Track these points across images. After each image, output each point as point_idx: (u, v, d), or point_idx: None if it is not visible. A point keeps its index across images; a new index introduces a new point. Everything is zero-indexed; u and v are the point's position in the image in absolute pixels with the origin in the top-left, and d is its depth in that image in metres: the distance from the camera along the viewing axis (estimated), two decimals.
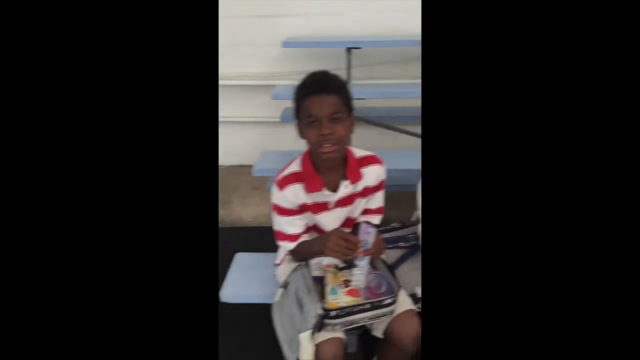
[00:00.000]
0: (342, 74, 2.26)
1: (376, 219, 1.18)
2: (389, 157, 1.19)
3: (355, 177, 1.07)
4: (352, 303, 0.97)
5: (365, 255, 0.96)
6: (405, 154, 1.90)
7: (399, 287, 1.03)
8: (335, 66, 2.36)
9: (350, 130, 1.02)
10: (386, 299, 0.97)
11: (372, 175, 1.10)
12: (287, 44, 2.13)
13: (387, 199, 1.22)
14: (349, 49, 2.19)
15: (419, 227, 1.22)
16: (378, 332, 1.05)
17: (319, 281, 1.06)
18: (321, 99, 0.95)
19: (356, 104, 2.34)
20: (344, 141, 1.01)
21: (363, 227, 0.95)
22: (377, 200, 1.16)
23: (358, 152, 1.11)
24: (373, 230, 0.94)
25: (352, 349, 1.21)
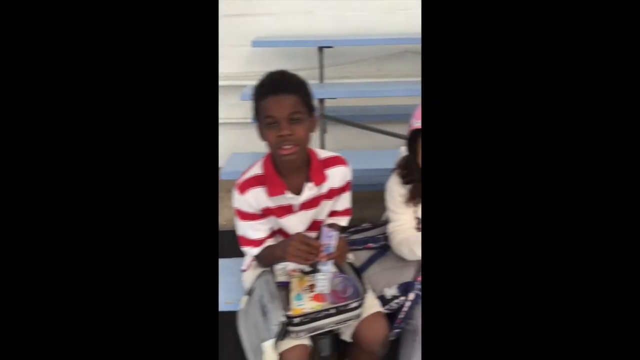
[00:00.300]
0: (314, 73, 2.27)
1: (344, 221, 1.16)
2: (363, 157, 1.18)
3: (320, 179, 1.05)
4: (317, 308, 0.94)
5: (329, 259, 0.94)
6: (379, 153, 1.89)
7: (366, 290, 1.01)
8: (307, 65, 2.35)
9: (311, 131, 1.00)
10: (352, 302, 0.95)
11: (337, 176, 1.08)
12: (256, 43, 2.09)
13: (363, 198, 1.19)
14: (320, 48, 2.17)
15: (388, 227, 1.21)
16: (346, 336, 1.03)
17: (285, 286, 1.03)
18: (279, 99, 0.92)
19: (329, 103, 2.34)
20: (305, 142, 0.98)
21: (324, 231, 0.93)
22: (344, 201, 1.14)
23: (322, 153, 1.09)
24: (335, 234, 0.92)
25: (326, 352, 1.19)
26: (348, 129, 2.26)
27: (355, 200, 1.21)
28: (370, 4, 2.32)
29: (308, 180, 1.04)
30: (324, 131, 2.12)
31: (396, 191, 1.17)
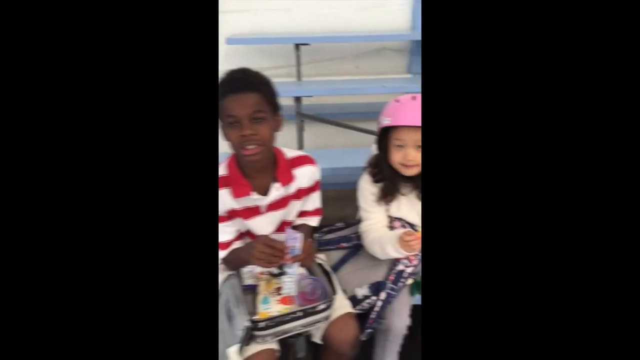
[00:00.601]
0: (292, 71, 2.25)
1: (314, 221, 1.14)
2: (342, 155, 1.16)
3: (287, 179, 1.02)
4: (284, 312, 0.92)
5: (294, 261, 0.92)
6: (359, 151, 1.87)
7: (335, 291, 1.00)
8: (284, 63, 2.32)
9: (276, 130, 0.97)
10: (320, 304, 0.93)
11: (305, 176, 1.06)
12: (231, 40, 2.05)
13: (343, 197, 1.16)
14: (297, 45, 2.14)
15: (361, 226, 1.19)
16: (317, 338, 1.01)
17: (253, 289, 1.01)
18: (240, 97, 0.89)
19: (307, 101, 2.31)
20: (269, 142, 0.96)
21: (288, 233, 0.90)
22: (314, 201, 1.12)
23: (289, 153, 1.07)
24: (299, 236, 0.90)
25: (302, 353, 1.17)
26: (327, 127, 2.24)
27: (335, 198, 1.19)
28: (347, 0, 2.30)
29: (275, 180, 1.01)
30: (301, 129, 2.10)
31: (367, 190, 1.15)
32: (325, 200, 1.17)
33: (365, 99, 2.39)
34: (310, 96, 2.07)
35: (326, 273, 1.05)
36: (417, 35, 2.29)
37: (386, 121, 1.07)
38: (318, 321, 0.94)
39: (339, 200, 1.53)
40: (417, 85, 2.20)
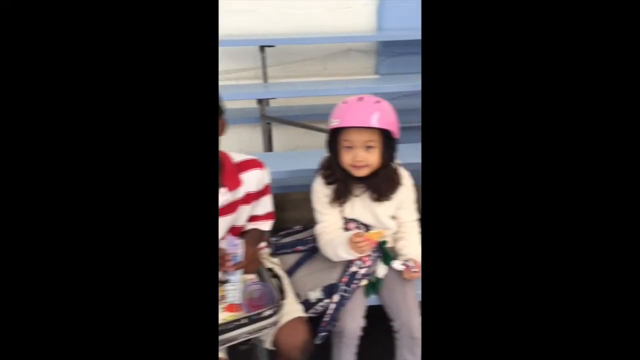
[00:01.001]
0: (258, 73, 2.23)
1: (266, 225, 1.13)
2: (312, 156, 1.14)
3: (234, 184, 1.01)
4: (229, 319, 0.91)
5: (236, 269, 0.90)
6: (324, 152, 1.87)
7: (284, 296, 0.99)
8: (252, 65, 2.30)
9: (220, 134, 0.96)
10: (265, 310, 0.92)
11: (253, 180, 1.05)
12: None
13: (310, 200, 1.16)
14: (262, 47, 2.13)
15: (315, 229, 1.18)
16: (267, 344, 1.00)
17: None
18: None
19: (275, 102, 2.28)
20: None
21: (228, 239, 0.89)
22: (265, 205, 1.11)
23: (236, 157, 1.05)
24: (239, 242, 0.89)
25: (264, 359, 1.16)
26: (297, 129, 2.23)
27: (304, 200, 1.18)
28: (315, 2, 2.30)
29: (221, 185, 1.00)
30: (267, 132, 2.09)
31: (321, 192, 1.15)
32: (295, 202, 1.16)
33: (334, 100, 2.39)
34: (274, 98, 2.05)
35: (277, 278, 1.04)
36: (383, 36, 2.31)
37: (334, 123, 1.07)
38: (264, 327, 0.93)
39: (309, 203, 1.52)
40: (385, 86, 2.23)
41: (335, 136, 1.09)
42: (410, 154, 1.47)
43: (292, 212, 1.53)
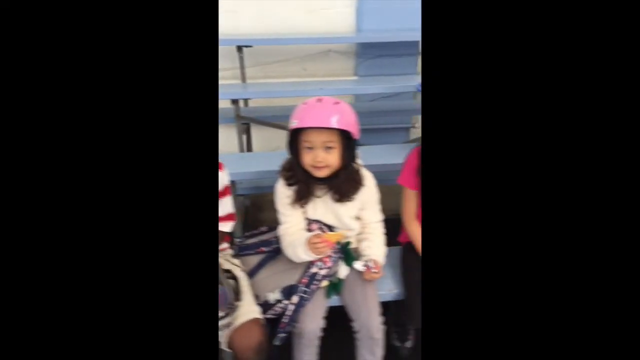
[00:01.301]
0: (237, 73, 2.22)
1: (227, 226, 1.12)
2: (286, 157, 1.14)
3: None
4: None
5: None
6: None
7: (239, 298, 0.98)
8: (230, 65, 2.29)
9: None
10: (218, 313, 0.91)
11: None
12: None
13: None
14: (239, 48, 2.13)
15: (278, 230, 1.18)
16: (223, 345, 1.00)
17: None
18: None
19: (254, 103, 2.26)
20: None
21: None
22: (225, 206, 1.10)
23: None
24: None
25: None
26: (278, 130, 2.23)
27: None
28: (293, 3, 2.29)
29: None
30: (243, 132, 2.08)
31: (282, 193, 1.15)
32: (272, 202, 1.16)
33: None
34: (249, 98, 2.05)
35: (235, 279, 1.04)
36: (362, 38, 2.31)
37: (294, 123, 1.07)
38: (218, 329, 0.93)
39: None
40: (363, 87, 2.23)
41: (295, 137, 1.09)
42: (375, 155, 1.47)
43: (269, 212, 1.53)
